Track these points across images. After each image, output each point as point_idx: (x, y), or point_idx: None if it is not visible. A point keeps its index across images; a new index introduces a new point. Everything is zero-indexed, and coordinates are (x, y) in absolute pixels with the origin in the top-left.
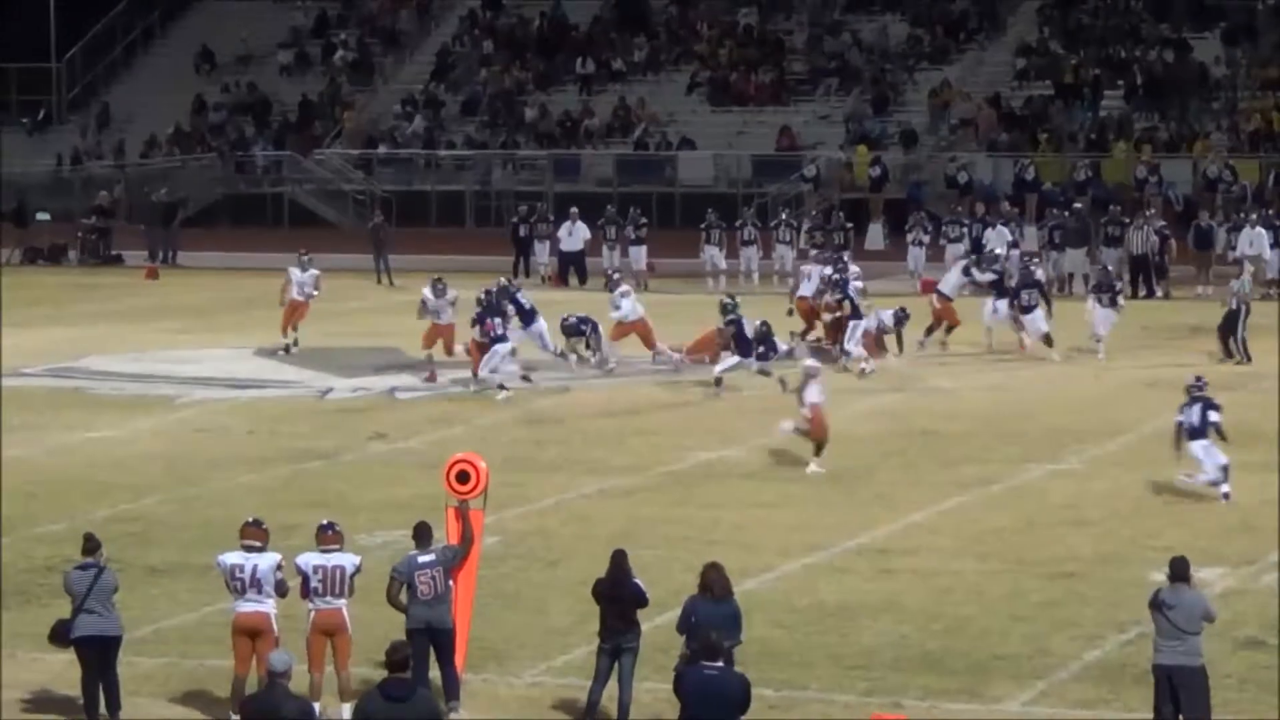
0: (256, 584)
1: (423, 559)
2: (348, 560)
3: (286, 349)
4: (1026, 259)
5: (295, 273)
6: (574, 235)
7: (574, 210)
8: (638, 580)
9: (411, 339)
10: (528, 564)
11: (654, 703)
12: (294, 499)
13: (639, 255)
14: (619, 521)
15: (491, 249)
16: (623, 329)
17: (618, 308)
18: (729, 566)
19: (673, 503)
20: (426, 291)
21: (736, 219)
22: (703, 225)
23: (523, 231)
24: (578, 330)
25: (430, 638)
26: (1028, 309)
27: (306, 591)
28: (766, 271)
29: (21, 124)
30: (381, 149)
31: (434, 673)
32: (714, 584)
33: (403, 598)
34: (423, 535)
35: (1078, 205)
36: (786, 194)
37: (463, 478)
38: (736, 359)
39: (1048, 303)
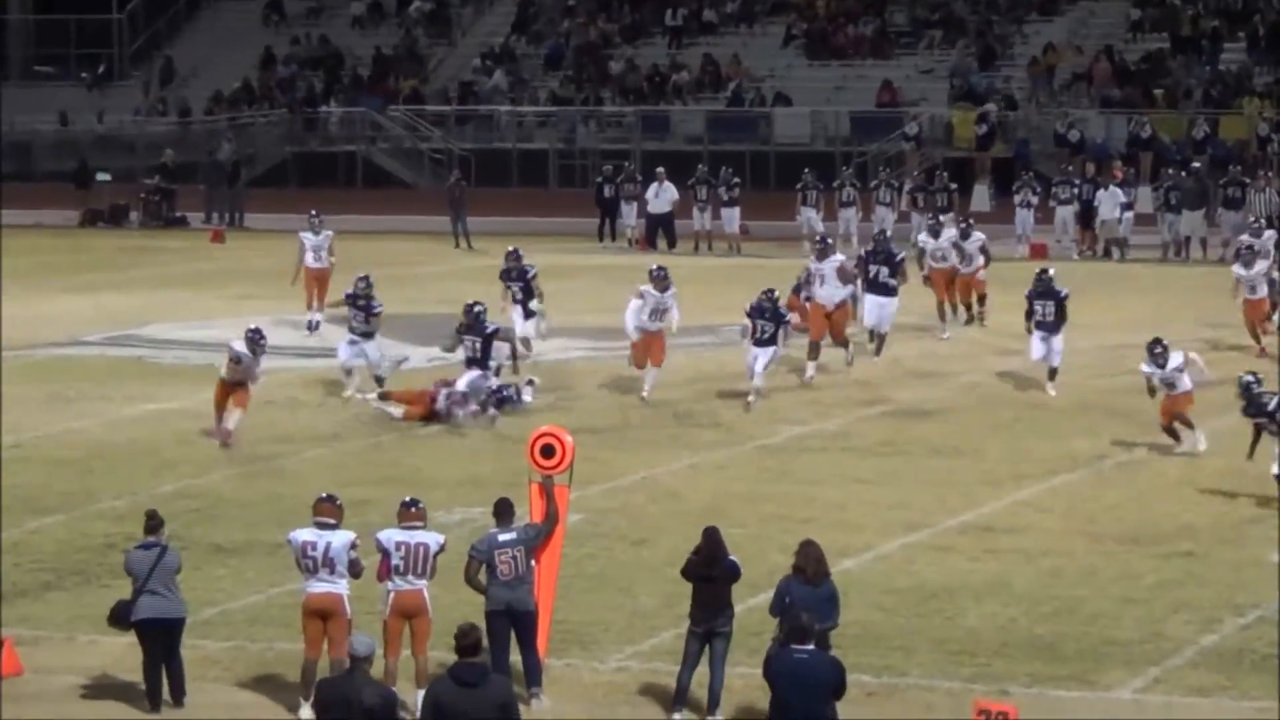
0: (329, 563)
1: (503, 537)
2: (432, 539)
3: (309, 325)
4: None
5: (307, 237)
6: (662, 196)
7: (662, 170)
8: (733, 558)
9: (492, 306)
10: (613, 543)
11: (745, 689)
12: (367, 474)
13: (731, 217)
14: (709, 498)
15: (575, 210)
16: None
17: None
18: (825, 545)
19: (766, 478)
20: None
21: (834, 179)
22: (799, 186)
23: (608, 192)
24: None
25: (510, 620)
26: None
27: (386, 570)
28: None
29: (82, 79)
30: (459, 105)
31: (515, 658)
32: (809, 564)
33: (482, 578)
34: (504, 512)
35: (1195, 165)
36: (887, 153)
37: (548, 452)
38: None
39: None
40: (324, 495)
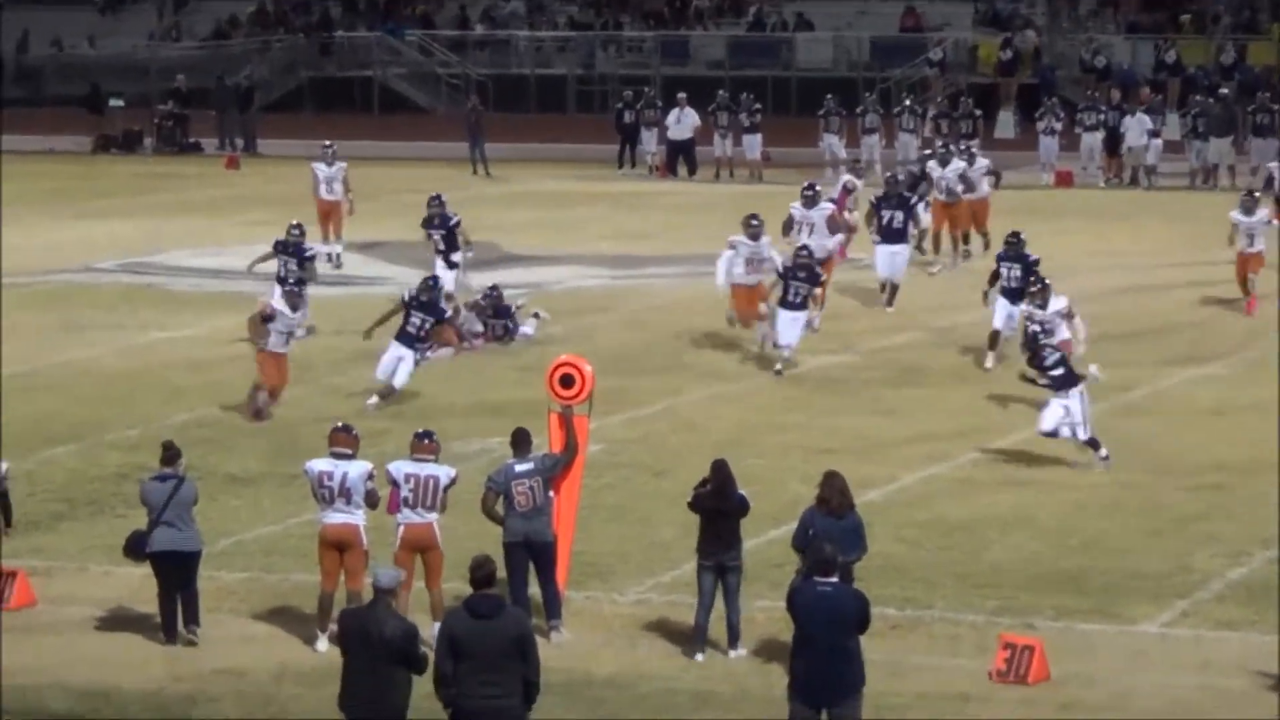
0: (345, 493)
1: (520, 468)
2: (442, 471)
3: (330, 258)
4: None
5: (320, 168)
6: (683, 122)
7: (682, 96)
8: (743, 492)
9: (508, 233)
10: (633, 474)
11: (768, 622)
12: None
13: (753, 144)
14: (730, 428)
15: (594, 137)
16: None
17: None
18: (847, 476)
19: (788, 408)
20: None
21: (857, 105)
22: (821, 112)
23: (628, 118)
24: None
25: (529, 552)
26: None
27: (396, 503)
28: (890, 161)
29: (93, 3)
30: (478, 29)
31: (534, 590)
32: (833, 495)
33: (499, 509)
34: (521, 442)
35: (1223, 91)
36: (911, 78)
37: (567, 382)
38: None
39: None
40: (339, 424)
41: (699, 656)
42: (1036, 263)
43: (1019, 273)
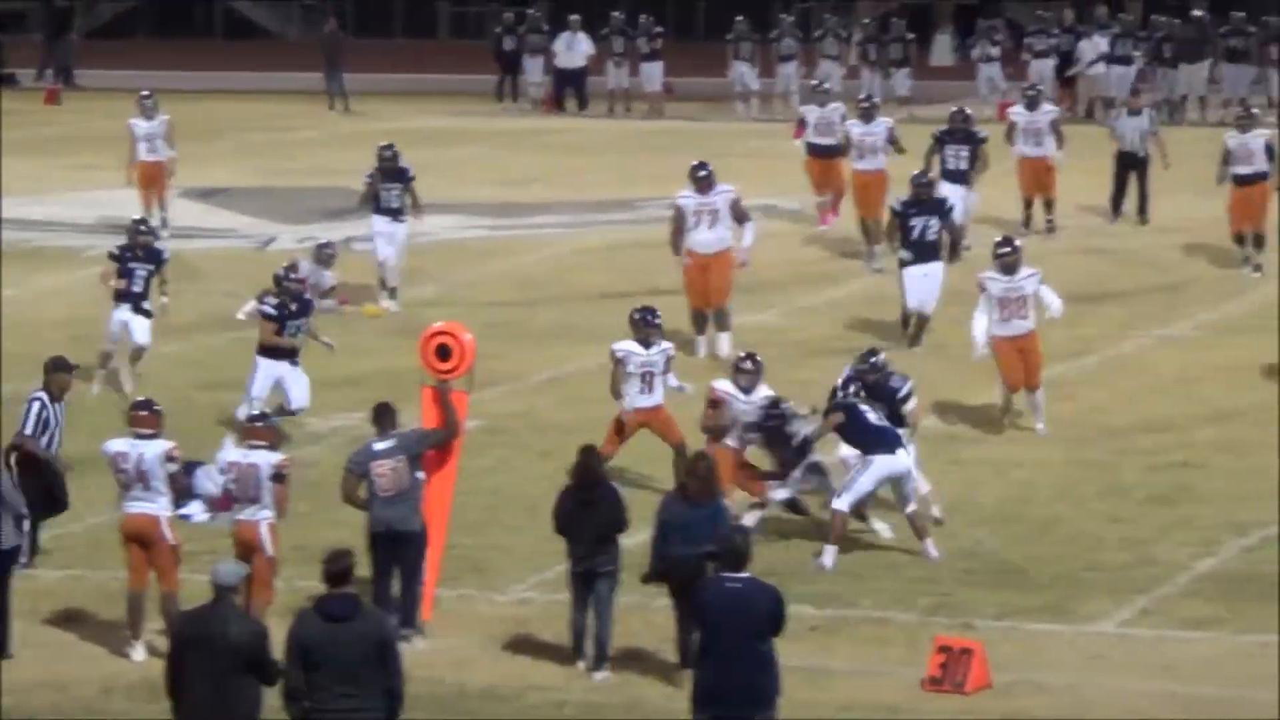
0: (143, 477)
1: (380, 446)
2: (263, 459)
3: (159, 225)
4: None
5: (138, 124)
6: (573, 49)
7: (574, 19)
8: (615, 484)
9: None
10: (514, 454)
11: (669, 624)
12: (227, 375)
13: (653, 73)
14: None
15: (470, 66)
16: None
17: None
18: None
19: (689, 378)
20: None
21: (772, 29)
22: (730, 37)
23: (509, 45)
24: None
25: (393, 543)
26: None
27: (227, 500)
28: (808, 92)
29: None
30: None
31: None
32: (691, 481)
33: (362, 494)
34: (383, 418)
35: (1195, 11)
36: None
37: (443, 353)
38: None
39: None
40: (140, 400)
41: (581, 665)
42: (950, 210)
43: (935, 228)
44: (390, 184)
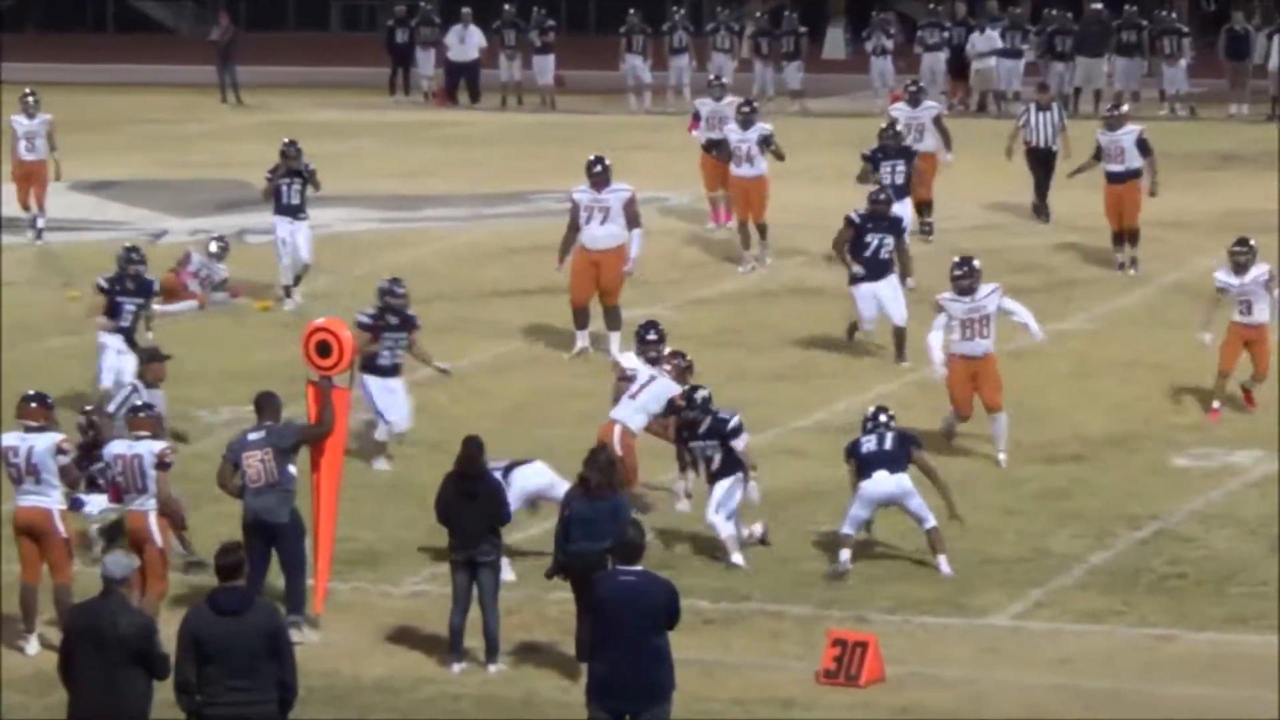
0: (33, 471)
1: (252, 437)
2: (146, 449)
3: (34, 227)
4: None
5: (19, 121)
6: (466, 42)
7: (466, 11)
8: (498, 474)
9: (263, 171)
10: (408, 448)
11: (564, 616)
12: None
13: (545, 67)
14: (520, 394)
15: (362, 59)
16: None
17: None
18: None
19: (589, 371)
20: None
21: (664, 21)
22: (622, 30)
23: (401, 37)
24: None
25: (264, 534)
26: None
27: (117, 491)
28: (701, 85)
29: None
30: None
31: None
32: (592, 474)
33: (237, 482)
34: (264, 408)
35: (1095, 5)
36: None
37: (323, 350)
38: None
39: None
40: (31, 394)
41: (456, 667)
42: (905, 230)
43: (890, 245)
44: (291, 180)
